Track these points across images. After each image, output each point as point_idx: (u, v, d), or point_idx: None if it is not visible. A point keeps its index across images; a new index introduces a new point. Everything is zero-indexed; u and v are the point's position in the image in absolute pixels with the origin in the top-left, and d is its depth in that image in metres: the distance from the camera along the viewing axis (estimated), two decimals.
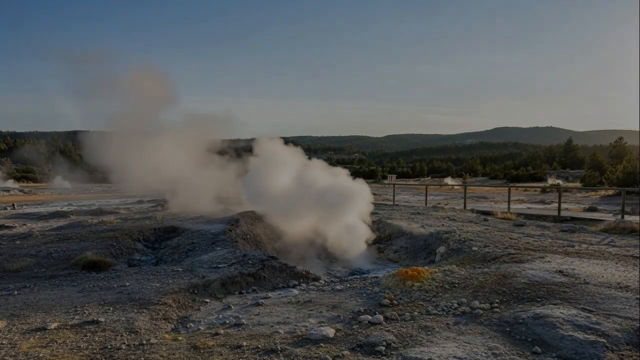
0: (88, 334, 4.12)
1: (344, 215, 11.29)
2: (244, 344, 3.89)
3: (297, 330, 4.24)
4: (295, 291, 6.09)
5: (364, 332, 4.15)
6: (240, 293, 6.07)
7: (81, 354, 3.67)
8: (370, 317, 4.50)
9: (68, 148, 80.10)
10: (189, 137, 16.68)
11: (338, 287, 6.09)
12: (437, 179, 56.86)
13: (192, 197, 16.35)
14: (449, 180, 50.50)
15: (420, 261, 9.24)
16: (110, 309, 4.88)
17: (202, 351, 3.76)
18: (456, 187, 36.24)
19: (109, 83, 16.37)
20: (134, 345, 3.88)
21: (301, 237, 11.12)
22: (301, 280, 6.89)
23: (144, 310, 4.85)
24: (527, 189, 31.41)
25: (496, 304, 4.77)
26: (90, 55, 17.20)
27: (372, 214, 14.07)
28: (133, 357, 3.61)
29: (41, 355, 3.61)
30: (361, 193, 12.07)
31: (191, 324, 4.64)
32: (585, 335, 3.75)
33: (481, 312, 4.57)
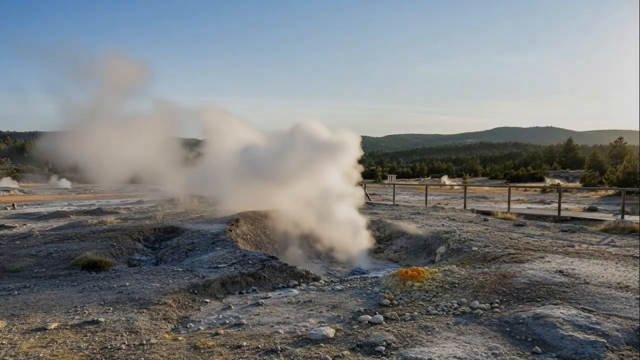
0: (88, 334, 4.12)
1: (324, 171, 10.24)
2: (244, 344, 3.89)
3: (297, 330, 4.24)
4: (295, 291, 6.10)
5: (364, 332, 4.15)
6: (240, 293, 6.07)
7: (81, 354, 3.67)
8: (370, 317, 4.50)
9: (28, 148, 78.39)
10: (158, 127, 15.71)
11: (338, 287, 6.09)
12: (435, 179, 56.78)
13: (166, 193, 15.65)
14: (445, 179, 50.41)
15: (420, 261, 9.24)
16: (110, 309, 4.88)
17: (202, 351, 3.76)
18: (456, 187, 36.23)
19: (78, 71, 15.44)
20: (134, 345, 3.88)
21: (300, 236, 11.12)
22: (301, 280, 6.90)
23: (144, 310, 4.85)
24: (527, 189, 31.39)
25: (496, 304, 4.77)
26: (59, 45, 16.56)
27: (372, 214, 14.08)
28: (133, 357, 3.61)
29: (41, 355, 3.61)
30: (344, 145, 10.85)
31: (191, 324, 4.64)
32: (585, 335, 3.75)
33: (481, 312, 4.58)
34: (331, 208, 10.72)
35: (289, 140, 11.40)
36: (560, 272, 5.93)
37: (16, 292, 5.71)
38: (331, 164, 11.13)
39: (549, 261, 6.72)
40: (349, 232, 10.68)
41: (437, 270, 6.20)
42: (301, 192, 11.06)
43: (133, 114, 17.20)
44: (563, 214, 14.28)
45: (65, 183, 49.45)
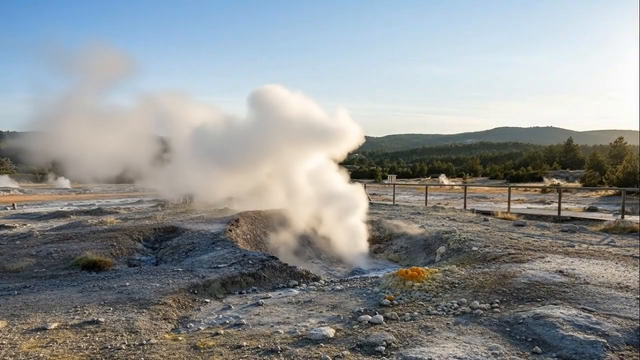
0: (88, 334, 4.12)
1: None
2: (244, 344, 3.89)
3: (297, 330, 4.24)
4: (295, 291, 6.10)
5: (364, 332, 4.15)
6: (240, 293, 6.07)
7: (81, 354, 3.67)
8: (370, 317, 4.50)
9: None
10: (139, 121, 14.92)
11: (338, 287, 6.09)
12: (434, 179, 56.73)
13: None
14: (443, 179, 50.23)
15: (420, 261, 9.24)
16: (110, 309, 4.88)
17: (202, 351, 3.76)
18: (456, 187, 36.23)
19: (58, 63, 14.83)
20: (134, 345, 3.88)
21: (301, 235, 11.11)
22: (301, 280, 6.90)
23: (144, 310, 4.84)
24: (527, 189, 31.38)
25: (496, 304, 4.77)
26: (42, 40, 16.14)
27: (372, 214, 14.08)
28: (133, 357, 3.61)
29: (41, 355, 3.61)
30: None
31: (191, 324, 4.64)
32: (585, 335, 3.75)
33: (481, 312, 4.57)
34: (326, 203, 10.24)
35: (258, 120, 10.12)
36: (560, 272, 5.93)
37: (16, 292, 5.71)
38: (319, 150, 9.96)
39: (549, 261, 6.72)
40: (349, 233, 10.68)
41: (437, 270, 6.20)
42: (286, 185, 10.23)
43: (113, 109, 16.47)
44: (563, 214, 14.28)
45: (64, 183, 49.40)
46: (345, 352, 3.65)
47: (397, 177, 57.02)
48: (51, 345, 3.84)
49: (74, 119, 14.53)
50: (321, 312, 4.91)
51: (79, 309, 4.90)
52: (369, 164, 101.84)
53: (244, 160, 10.01)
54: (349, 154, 11.62)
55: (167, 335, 4.24)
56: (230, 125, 11.10)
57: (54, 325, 4.31)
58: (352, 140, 10.50)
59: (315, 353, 3.65)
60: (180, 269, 6.90)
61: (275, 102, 10.33)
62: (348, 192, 10.19)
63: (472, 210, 15.81)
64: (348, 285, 6.29)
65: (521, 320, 4.19)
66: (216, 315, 4.96)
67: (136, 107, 16.04)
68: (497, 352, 3.59)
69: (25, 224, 13.41)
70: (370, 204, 19.26)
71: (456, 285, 5.59)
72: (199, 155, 10.62)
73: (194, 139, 10.85)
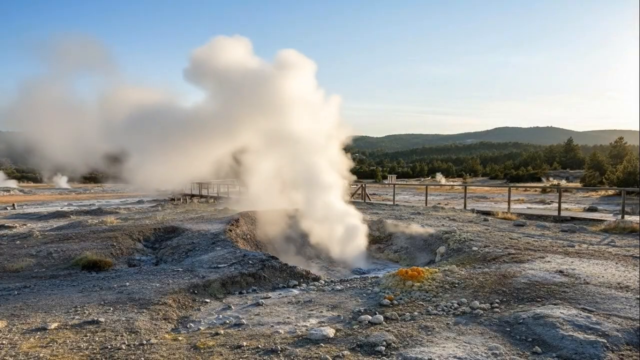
0: (88, 334, 4.12)
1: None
2: (244, 344, 3.89)
3: (297, 330, 4.24)
4: (296, 291, 6.10)
5: (364, 332, 4.15)
6: (240, 293, 6.07)
7: (81, 354, 3.67)
8: (370, 317, 4.50)
9: None
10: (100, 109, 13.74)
11: (338, 287, 6.09)
12: (434, 179, 56.72)
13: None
14: (442, 179, 50.11)
15: (421, 261, 9.24)
16: (110, 309, 4.88)
17: (202, 351, 3.76)
18: (456, 187, 36.22)
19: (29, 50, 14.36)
20: (134, 345, 3.88)
21: (301, 235, 11.11)
22: (301, 280, 6.90)
23: (144, 310, 4.85)
24: (527, 189, 31.38)
25: (496, 304, 4.77)
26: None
27: (372, 214, 14.08)
28: (133, 357, 3.61)
29: (41, 355, 3.61)
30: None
31: (191, 324, 4.64)
32: (585, 335, 3.75)
33: (481, 312, 4.57)
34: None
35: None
36: (561, 272, 5.92)
37: (16, 292, 5.71)
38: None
39: (549, 261, 6.72)
40: (349, 232, 10.68)
41: (437, 270, 6.20)
42: None
43: (74, 99, 15.67)
44: (563, 214, 14.26)
45: (62, 182, 49.43)
46: (345, 352, 3.65)
47: (397, 177, 57.04)
48: (51, 345, 3.84)
49: (36, 110, 13.85)
50: (321, 312, 4.91)
51: (79, 309, 4.90)
52: (369, 164, 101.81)
53: (186, 137, 9.14)
54: (349, 154, 11.65)
55: (167, 335, 4.24)
56: (160, 101, 10.34)
57: (54, 325, 4.31)
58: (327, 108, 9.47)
59: (315, 353, 3.65)
60: (180, 269, 6.90)
61: (225, 65, 9.03)
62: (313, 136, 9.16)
63: (472, 210, 15.80)
64: (348, 285, 6.29)
65: (521, 320, 4.19)
66: (216, 315, 4.96)
67: (99, 96, 15.13)
68: (497, 352, 3.59)
69: (25, 224, 13.42)
70: (370, 204, 19.27)
71: (456, 285, 5.59)
72: (139, 139, 10.01)
73: (131, 122, 10.19)
